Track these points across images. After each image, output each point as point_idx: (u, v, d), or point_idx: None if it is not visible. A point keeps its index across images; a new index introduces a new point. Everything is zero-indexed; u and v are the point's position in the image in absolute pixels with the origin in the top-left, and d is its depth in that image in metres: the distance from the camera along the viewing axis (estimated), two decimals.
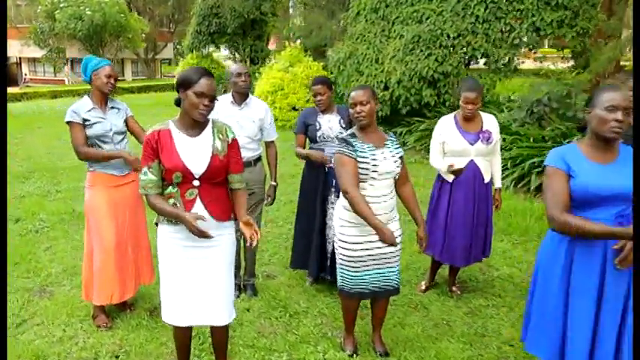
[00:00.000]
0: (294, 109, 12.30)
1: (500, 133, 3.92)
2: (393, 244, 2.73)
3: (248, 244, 2.48)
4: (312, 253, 3.97)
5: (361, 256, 2.95)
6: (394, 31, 8.98)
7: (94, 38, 28.19)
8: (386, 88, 8.74)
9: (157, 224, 2.62)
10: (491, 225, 3.85)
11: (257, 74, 15.37)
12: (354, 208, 2.77)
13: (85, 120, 3.39)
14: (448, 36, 7.89)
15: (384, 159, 2.87)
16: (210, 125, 2.57)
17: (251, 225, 2.50)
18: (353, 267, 2.98)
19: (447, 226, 3.74)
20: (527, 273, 4.33)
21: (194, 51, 23.60)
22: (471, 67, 8.76)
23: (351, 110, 2.90)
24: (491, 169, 3.77)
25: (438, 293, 4.00)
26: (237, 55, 24.28)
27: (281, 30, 19.31)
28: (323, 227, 3.96)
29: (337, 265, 3.09)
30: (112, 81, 3.42)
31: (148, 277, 3.75)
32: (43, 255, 4.80)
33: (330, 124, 3.93)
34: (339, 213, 3.03)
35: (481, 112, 3.71)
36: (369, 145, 2.89)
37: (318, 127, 3.93)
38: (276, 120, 12.75)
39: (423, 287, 4.01)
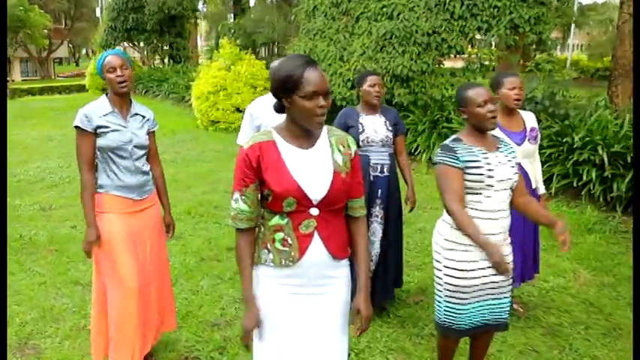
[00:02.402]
0: (237, 110, 11.50)
1: None
2: (505, 271, 2.21)
3: (356, 334, 1.97)
4: None
5: (474, 285, 2.42)
6: (360, 28, 8.53)
7: None
8: (352, 87, 8.26)
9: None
10: (539, 238, 3.48)
11: (193, 73, 14.35)
12: (463, 230, 2.28)
13: (98, 127, 2.57)
14: (423, 33, 7.56)
15: (499, 163, 2.38)
16: (325, 133, 1.90)
17: (367, 316, 1.93)
18: (461, 298, 2.43)
19: None
20: (577, 282, 4.03)
21: (107, 48, 21.96)
22: (444, 66, 8.48)
23: (480, 110, 2.37)
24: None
25: None
26: (156, 54, 22.91)
27: (214, 27, 18.32)
28: None
29: (438, 298, 2.54)
30: (119, 73, 2.58)
31: (172, 322, 3.00)
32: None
33: (374, 126, 3.40)
34: (445, 233, 2.47)
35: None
36: (480, 149, 2.39)
37: (360, 130, 3.38)
38: (217, 122, 11.96)
39: None
